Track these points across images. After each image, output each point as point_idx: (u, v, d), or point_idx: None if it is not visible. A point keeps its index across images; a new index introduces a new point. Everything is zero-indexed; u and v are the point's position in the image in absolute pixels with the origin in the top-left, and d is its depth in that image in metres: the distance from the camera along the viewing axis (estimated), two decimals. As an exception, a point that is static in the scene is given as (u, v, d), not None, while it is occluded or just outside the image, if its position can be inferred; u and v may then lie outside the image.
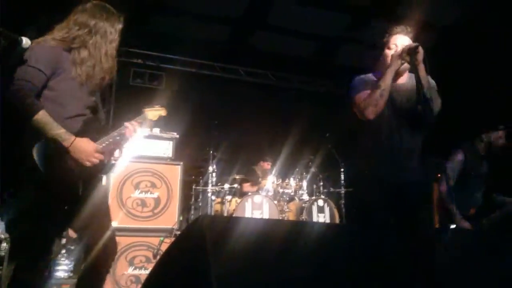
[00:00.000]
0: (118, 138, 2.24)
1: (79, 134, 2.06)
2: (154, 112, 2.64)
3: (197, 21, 6.23)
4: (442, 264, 1.62)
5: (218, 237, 1.41)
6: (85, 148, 2.03)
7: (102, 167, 2.18)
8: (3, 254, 2.54)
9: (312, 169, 6.17)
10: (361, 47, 6.58)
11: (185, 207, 5.38)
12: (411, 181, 2.45)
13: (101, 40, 2.17)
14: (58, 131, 1.96)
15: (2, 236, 2.61)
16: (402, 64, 2.44)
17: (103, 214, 2.22)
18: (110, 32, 2.21)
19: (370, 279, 1.55)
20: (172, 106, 2.97)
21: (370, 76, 2.61)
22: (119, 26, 2.28)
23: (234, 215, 4.99)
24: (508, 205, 3.56)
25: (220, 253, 1.36)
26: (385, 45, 2.59)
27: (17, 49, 1.89)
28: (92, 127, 2.17)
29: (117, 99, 6.54)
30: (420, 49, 2.34)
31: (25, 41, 1.91)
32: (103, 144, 2.16)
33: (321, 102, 7.71)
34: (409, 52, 2.37)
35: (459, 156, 3.59)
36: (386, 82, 2.41)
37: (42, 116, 1.93)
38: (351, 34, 6.43)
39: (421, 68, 2.35)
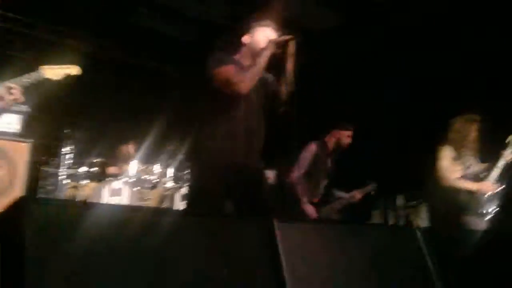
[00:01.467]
0: None
1: None
2: (58, 70, 2.05)
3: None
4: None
5: (42, 225, 1.23)
6: None
7: None
8: None
9: (180, 157, 6.04)
10: (239, 37, 6.67)
11: (33, 191, 4.84)
12: (254, 167, 2.48)
13: None
14: None
15: None
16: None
17: None
18: None
19: (217, 269, 1.52)
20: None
21: (230, 56, 2.57)
22: None
23: (88, 202, 4.64)
24: (341, 199, 3.99)
25: (43, 246, 1.18)
26: (250, 33, 2.60)
27: None
28: None
29: None
30: (293, 43, 2.39)
31: None
32: None
33: (194, 89, 7.64)
34: (282, 43, 2.40)
35: (313, 148, 3.87)
36: (263, 62, 2.38)
37: None
38: (230, 23, 6.46)
39: (291, 61, 2.40)
